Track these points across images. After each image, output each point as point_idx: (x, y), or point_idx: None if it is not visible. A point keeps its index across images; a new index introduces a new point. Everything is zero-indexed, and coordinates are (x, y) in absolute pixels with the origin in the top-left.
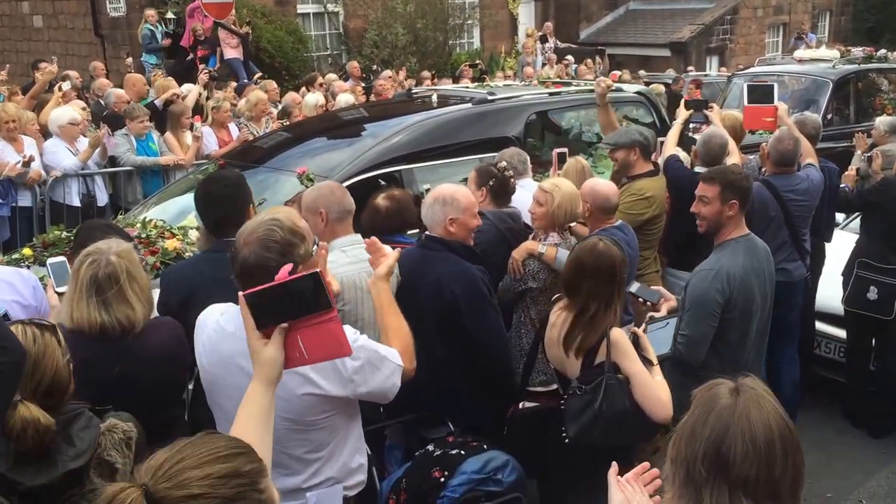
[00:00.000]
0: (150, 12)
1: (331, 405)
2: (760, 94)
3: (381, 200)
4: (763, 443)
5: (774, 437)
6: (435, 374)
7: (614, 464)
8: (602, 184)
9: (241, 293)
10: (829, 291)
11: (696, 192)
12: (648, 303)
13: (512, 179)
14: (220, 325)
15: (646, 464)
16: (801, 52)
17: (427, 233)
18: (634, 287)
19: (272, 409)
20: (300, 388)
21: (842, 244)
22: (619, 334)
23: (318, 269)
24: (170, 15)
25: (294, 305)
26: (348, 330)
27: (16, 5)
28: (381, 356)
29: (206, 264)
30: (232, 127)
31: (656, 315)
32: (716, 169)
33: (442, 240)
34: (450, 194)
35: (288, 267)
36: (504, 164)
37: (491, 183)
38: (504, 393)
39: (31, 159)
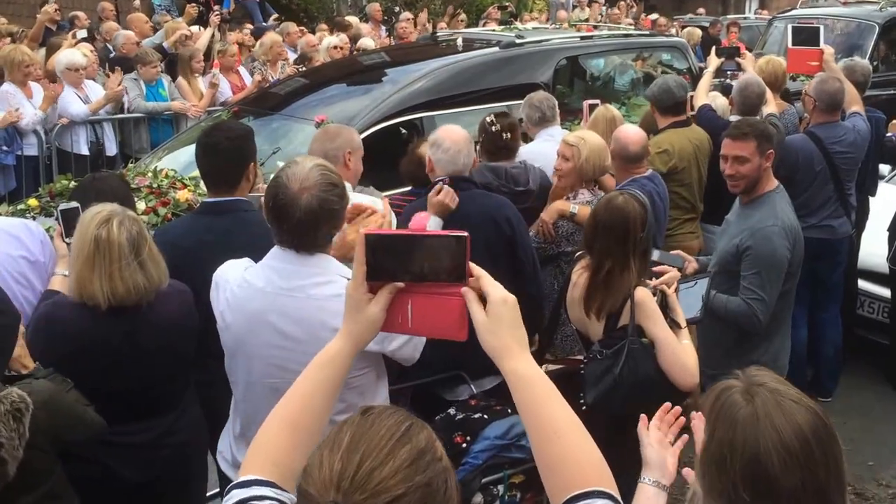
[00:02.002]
0: None
1: (365, 361)
2: (806, 36)
3: (424, 149)
4: (798, 447)
5: (807, 436)
6: None
7: (643, 417)
8: (624, 131)
9: (363, 231)
10: (874, 248)
11: (724, 152)
12: (673, 268)
13: (504, 134)
14: (247, 280)
15: (667, 404)
16: None
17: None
18: (656, 255)
19: (346, 375)
20: None
21: (887, 198)
22: (644, 294)
23: (467, 234)
24: None
25: (423, 266)
26: None
27: None
28: None
29: (196, 227)
30: (243, 71)
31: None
32: (743, 122)
33: (471, 178)
34: (467, 135)
35: (425, 217)
36: (490, 118)
37: (480, 138)
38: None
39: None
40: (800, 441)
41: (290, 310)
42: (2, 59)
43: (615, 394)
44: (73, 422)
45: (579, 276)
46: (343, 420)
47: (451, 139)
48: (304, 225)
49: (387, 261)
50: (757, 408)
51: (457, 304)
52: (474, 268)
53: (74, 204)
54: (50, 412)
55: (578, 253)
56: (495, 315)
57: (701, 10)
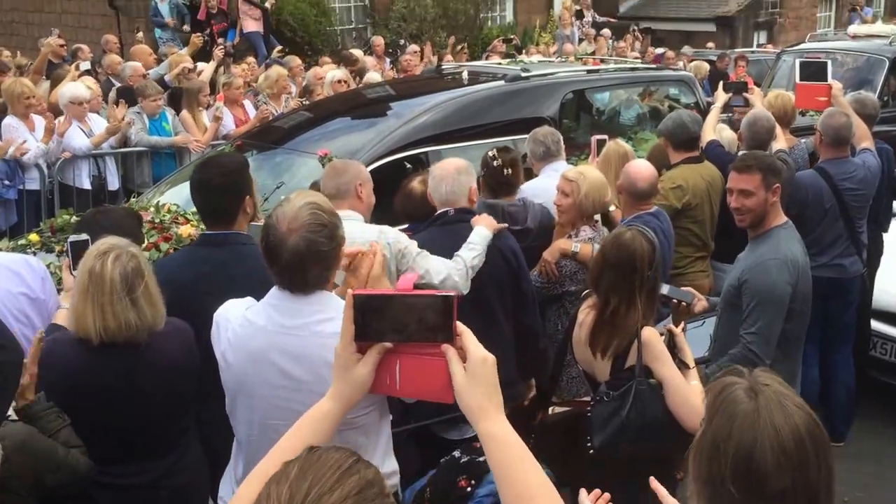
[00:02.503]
0: None
1: (369, 399)
2: (813, 71)
3: (417, 184)
4: (794, 448)
5: (804, 439)
6: (487, 345)
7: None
8: (634, 166)
9: (350, 292)
10: (887, 287)
11: (729, 185)
12: (683, 303)
13: (506, 170)
14: (248, 319)
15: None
16: (855, 28)
17: (455, 207)
18: (665, 289)
19: (333, 434)
20: None
21: None
22: (651, 334)
23: (454, 294)
24: None
25: (410, 325)
26: None
27: None
28: None
29: (193, 259)
30: (247, 104)
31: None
32: (748, 155)
33: (471, 210)
34: (465, 164)
35: (413, 277)
36: (492, 153)
37: (482, 173)
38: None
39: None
40: (796, 442)
41: (293, 348)
42: (3, 91)
43: (623, 436)
44: (53, 465)
45: (586, 315)
46: (288, 459)
47: (439, 168)
48: (293, 267)
49: (374, 321)
50: (759, 405)
51: (443, 365)
52: (458, 325)
53: (84, 236)
54: (26, 456)
55: (585, 292)
56: (473, 375)
57: (710, 44)
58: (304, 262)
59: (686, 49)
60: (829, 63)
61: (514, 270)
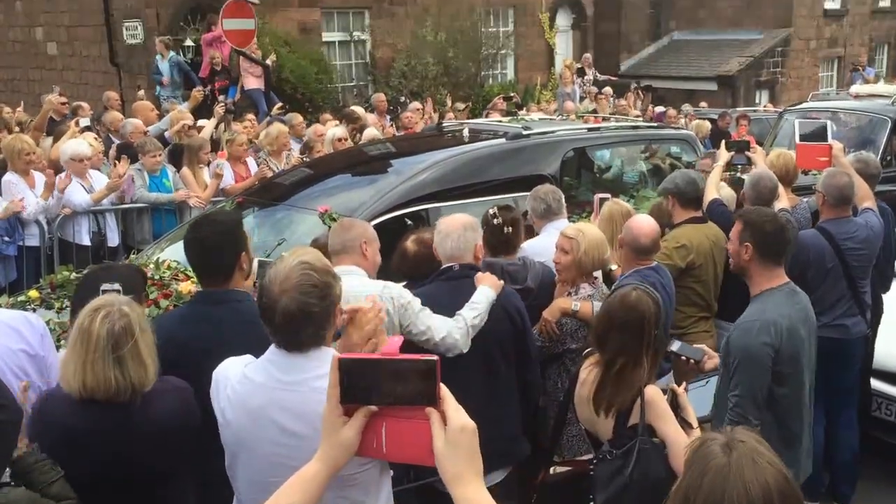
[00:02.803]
0: (162, 40)
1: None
2: (813, 131)
3: (410, 244)
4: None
5: (773, 496)
6: (491, 401)
7: None
8: (637, 221)
9: (336, 356)
10: (890, 348)
11: None
12: (692, 361)
13: (506, 229)
14: (247, 376)
15: None
16: (857, 87)
17: (460, 262)
18: (676, 346)
19: (320, 497)
20: None
21: None
22: (654, 393)
23: (437, 358)
24: (188, 42)
25: (394, 389)
26: None
27: (29, 31)
28: None
29: (191, 319)
30: (250, 161)
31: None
32: (748, 208)
33: (475, 266)
34: (471, 220)
35: (398, 340)
36: (493, 211)
37: (482, 231)
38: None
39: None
40: (765, 499)
41: (292, 404)
42: (4, 148)
43: (626, 496)
44: None
45: (588, 373)
46: None
47: (445, 224)
48: (285, 327)
49: (359, 384)
50: (731, 461)
51: (427, 429)
52: (441, 389)
53: (117, 286)
54: None
55: (586, 350)
56: (453, 442)
57: (703, 104)
58: (296, 323)
59: (686, 107)
60: (829, 123)
61: (519, 329)
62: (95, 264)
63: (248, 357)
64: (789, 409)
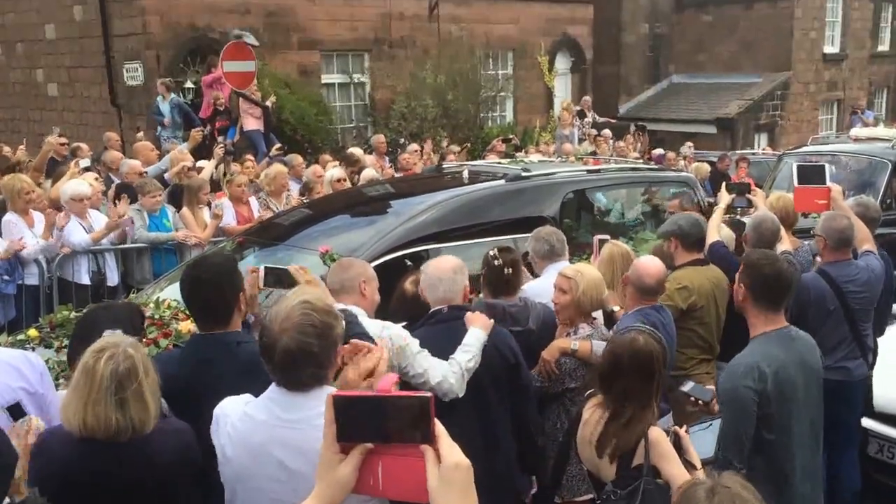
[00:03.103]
0: (163, 82)
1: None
2: (811, 174)
3: (409, 285)
4: None
5: None
6: (486, 438)
7: None
8: (644, 262)
9: (330, 394)
10: (887, 391)
11: None
12: (700, 401)
13: (506, 270)
14: (248, 413)
15: None
16: (857, 131)
17: (450, 304)
18: (688, 386)
19: None
20: None
21: None
22: (658, 434)
23: (430, 395)
24: (188, 84)
25: (389, 426)
26: None
27: (30, 73)
28: None
29: (189, 361)
30: (252, 201)
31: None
32: (753, 250)
33: (464, 307)
34: (459, 263)
35: (393, 378)
36: (493, 252)
37: (483, 272)
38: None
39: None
40: None
41: (293, 441)
42: (3, 187)
43: None
44: None
45: (591, 413)
46: None
47: (435, 267)
48: (284, 366)
49: (355, 422)
50: None
51: (423, 466)
52: (436, 426)
53: (118, 331)
54: None
55: (589, 391)
56: (446, 479)
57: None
58: (296, 363)
59: (685, 149)
60: (827, 166)
61: (512, 366)
62: (95, 303)
63: (247, 396)
64: (778, 453)
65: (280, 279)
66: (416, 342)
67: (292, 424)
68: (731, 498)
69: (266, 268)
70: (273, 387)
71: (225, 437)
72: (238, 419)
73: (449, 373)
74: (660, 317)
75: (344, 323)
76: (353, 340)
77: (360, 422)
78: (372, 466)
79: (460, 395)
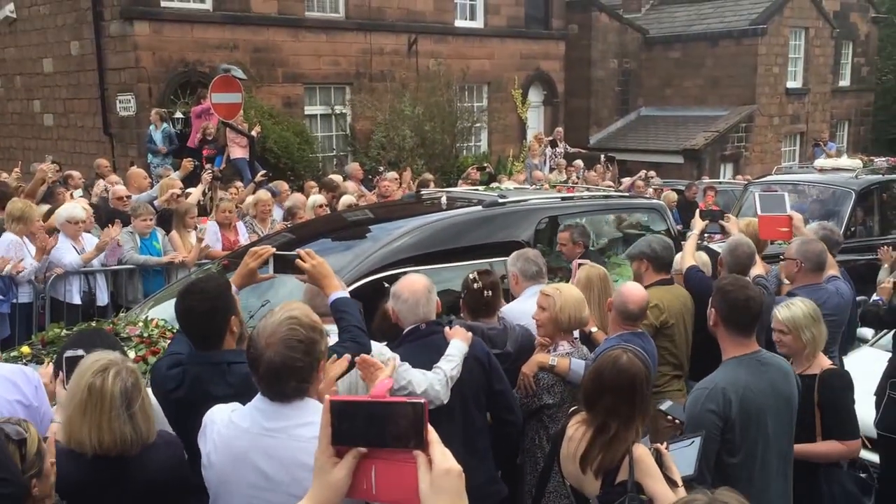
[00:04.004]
0: (158, 112)
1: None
2: (772, 203)
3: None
4: None
5: None
6: (468, 447)
7: None
8: (628, 288)
9: (327, 397)
10: (861, 412)
11: None
12: (677, 420)
13: (486, 292)
14: (233, 420)
15: None
16: (821, 161)
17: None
18: (665, 405)
19: None
20: None
21: (873, 362)
22: (642, 451)
23: (424, 401)
24: (178, 115)
25: (383, 431)
26: None
27: (27, 104)
28: None
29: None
30: (240, 226)
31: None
32: (724, 275)
33: (439, 321)
34: (428, 281)
35: (387, 384)
36: (473, 275)
37: (462, 295)
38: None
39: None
40: None
41: (273, 450)
42: (13, 210)
43: None
44: None
45: (575, 430)
46: None
47: (410, 290)
48: (269, 379)
49: (350, 426)
50: None
51: (415, 471)
52: (429, 432)
53: (80, 352)
54: None
55: (573, 408)
56: (438, 485)
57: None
58: (280, 376)
59: (652, 175)
60: (787, 195)
61: (487, 372)
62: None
63: (235, 404)
64: (739, 478)
65: (288, 265)
66: (397, 357)
67: (273, 433)
68: None
69: (275, 254)
70: (259, 396)
71: (210, 443)
72: (224, 426)
73: (434, 380)
74: (641, 343)
75: (328, 339)
76: (363, 356)
77: (355, 426)
78: (366, 471)
79: (445, 401)
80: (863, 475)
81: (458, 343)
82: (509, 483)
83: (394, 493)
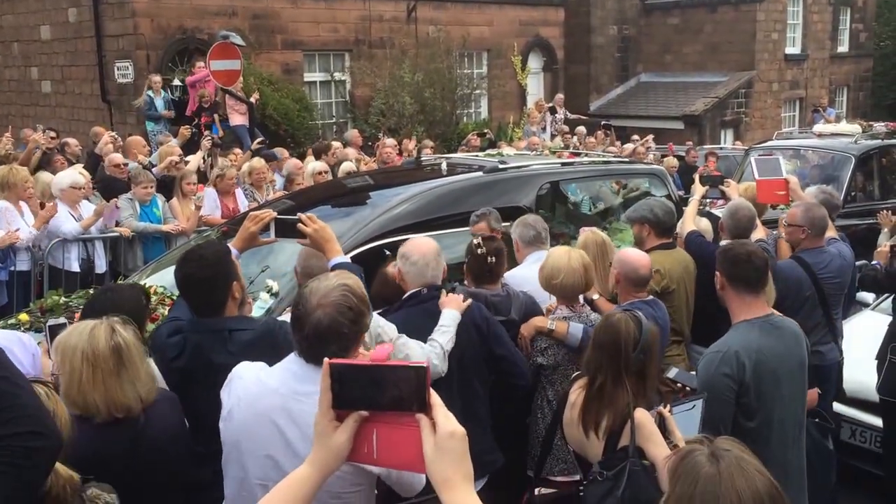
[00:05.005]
0: (155, 78)
1: (361, 478)
2: (768, 167)
3: (391, 269)
4: None
5: (764, 502)
6: (467, 412)
7: None
8: (632, 254)
9: (327, 360)
10: (863, 376)
11: None
12: (687, 387)
13: (490, 258)
14: (262, 379)
15: None
16: (820, 127)
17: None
18: (673, 372)
19: (313, 497)
20: None
21: (874, 326)
22: (643, 416)
23: (426, 364)
24: (176, 81)
25: (384, 395)
26: None
27: (25, 70)
28: None
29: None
30: (238, 193)
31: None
32: (734, 242)
33: (439, 286)
34: (436, 246)
35: (388, 348)
36: (477, 240)
37: (466, 260)
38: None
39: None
40: None
41: (297, 416)
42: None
43: None
44: None
45: (577, 396)
46: None
47: (420, 252)
48: (312, 339)
49: (351, 390)
50: (721, 469)
51: (418, 435)
52: (431, 396)
53: (62, 320)
54: None
55: (576, 374)
56: (442, 448)
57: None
58: (324, 338)
59: (650, 142)
60: (780, 158)
61: (485, 337)
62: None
63: (262, 363)
64: (757, 442)
65: (290, 229)
66: (393, 327)
67: (301, 398)
68: (737, 461)
69: (277, 218)
70: (293, 356)
71: (235, 398)
72: (252, 382)
73: (430, 353)
74: (652, 311)
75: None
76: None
77: (355, 390)
78: (367, 435)
79: (443, 374)
80: (816, 420)
81: (451, 312)
82: (516, 446)
83: (396, 457)
